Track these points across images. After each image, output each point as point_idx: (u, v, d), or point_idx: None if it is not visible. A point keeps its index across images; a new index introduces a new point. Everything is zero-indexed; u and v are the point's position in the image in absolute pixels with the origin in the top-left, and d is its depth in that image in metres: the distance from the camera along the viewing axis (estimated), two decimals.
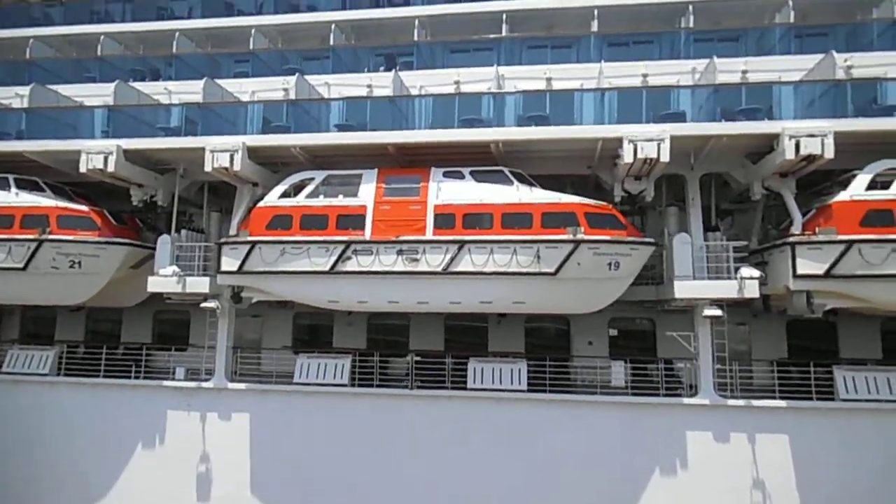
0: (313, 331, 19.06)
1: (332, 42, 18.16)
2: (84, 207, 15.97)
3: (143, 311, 19.04)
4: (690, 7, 16.74)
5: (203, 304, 15.68)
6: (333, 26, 18.21)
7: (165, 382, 16.21)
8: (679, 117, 14.56)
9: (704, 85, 14.62)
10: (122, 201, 17.23)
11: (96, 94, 18.28)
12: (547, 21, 18.77)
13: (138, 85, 18.07)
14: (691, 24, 16.63)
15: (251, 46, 18.43)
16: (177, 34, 18.87)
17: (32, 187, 16.38)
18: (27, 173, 16.77)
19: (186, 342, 18.74)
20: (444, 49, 18.88)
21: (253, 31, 18.47)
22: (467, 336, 18.01)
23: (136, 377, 16.53)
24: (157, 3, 20.73)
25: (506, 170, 14.52)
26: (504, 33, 17.64)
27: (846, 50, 15.63)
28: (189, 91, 17.90)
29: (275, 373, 16.34)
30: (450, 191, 14.29)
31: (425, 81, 17.13)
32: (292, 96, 16.70)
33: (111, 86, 17.66)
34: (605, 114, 14.69)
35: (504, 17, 17.68)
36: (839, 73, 14.42)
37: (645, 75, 15.96)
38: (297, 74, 16.41)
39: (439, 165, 14.90)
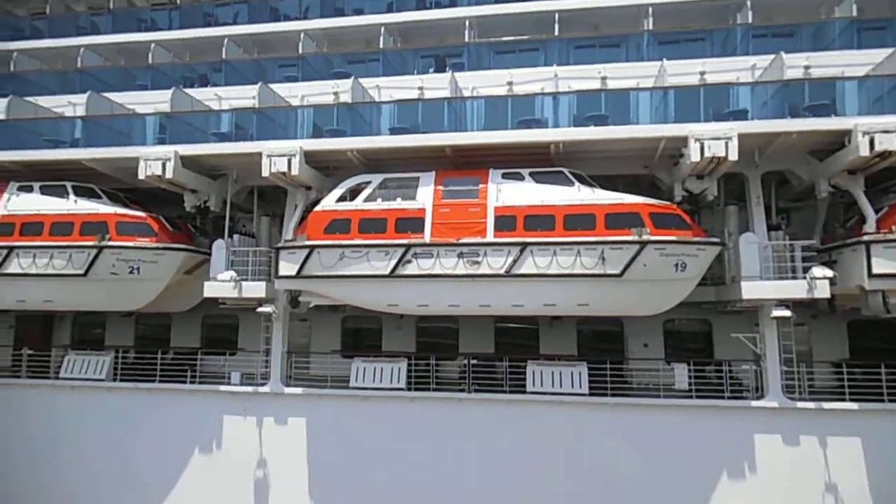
0: (361, 334, 19.04)
1: (381, 45, 18.13)
2: (142, 213, 16.09)
3: (192, 316, 19.14)
4: (748, 2, 16.43)
5: (259, 309, 15.69)
6: (383, 29, 18.18)
7: (221, 387, 16.26)
8: (741, 115, 14.31)
9: (773, 81, 14.31)
10: (171, 207, 17.39)
11: (147, 102, 18.50)
12: (594, 20, 18.58)
13: (189, 91, 18.13)
14: (749, 20, 16.33)
15: (300, 51, 18.46)
16: (225, 40, 18.97)
17: (89, 194, 16.55)
18: (80, 181, 16.96)
19: (235, 346, 18.82)
20: (489, 50, 18.78)
21: (302, 35, 18.50)
22: (518, 338, 17.86)
23: (192, 382, 16.63)
24: (203, 10, 20.86)
25: (566, 171, 14.36)
26: (556, 33, 17.44)
27: None
28: (239, 96, 18.01)
29: (329, 377, 16.30)
30: (510, 192, 14.17)
31: (477, 83, 17.05)
32: (344, 100, 16.70)
33: (164, 93, 17.82)
34: (665, 112, 14.50)
35: (556, 17, 17.49)
36: None
37: (702, 73, 15.66)
38: (352, 78, 16.41)
39: (496, 167, 14.80)
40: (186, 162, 15.70)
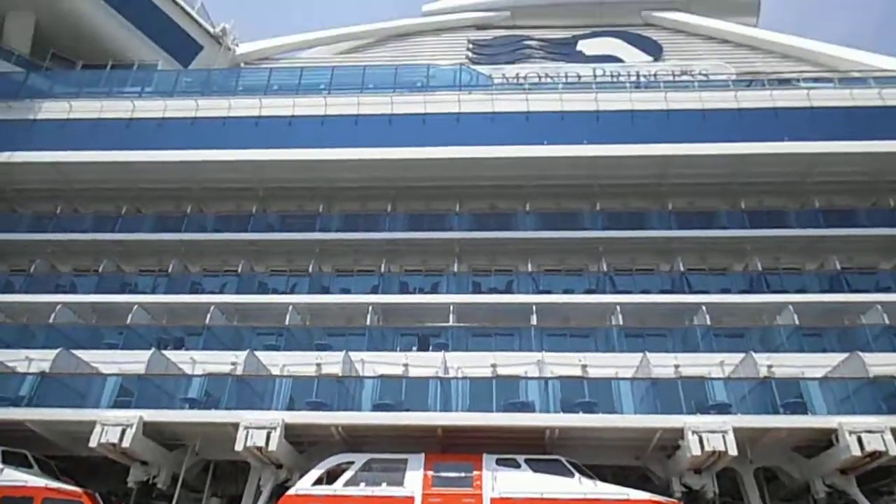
0: None
1: (368, 322, 18.66)
2: (76, 489, 13.73)
3: None
4: (703, 307, 18.41)
5: None
6: (370, 308, 18.95)
7: None
8: (724, 408, 14.78)
9: (749, 378, 15.22)
10: (107, 481, 15.17)
11: (111, 361, 17.41)
12: (564, 313, 20.00)
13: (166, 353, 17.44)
14: (707, 322, 18.07)
15: (287, 322, 18.65)
16: (212, 307, 19.08)
17: (20, 462, 14.31)
18: (12, 445, 14.79)
19: None
20: (468, 332, 19.54)
21: (290, 308, 18.92)
22: None
23: None
24: (191, 279, 21.45)
25: (563, 459, 13.73)
26: (533, 322, 18.59)
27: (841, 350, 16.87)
28: (215, 361, 17.41)
29: None
30: (506, 481, 13.13)
31: (461, 363, 17.19)
32: (328, 371, 16.39)
33: (132, 353, 17.06)
34: (653, 403, 14.82)
35: (534, 308, 18.87)
36: (860, 372, 15.33)
37: (677, 366, 16.65)
38: (344, 351, 16.36)
39: (489, 451, 14.04)
40: (148, 429, 14.21)
